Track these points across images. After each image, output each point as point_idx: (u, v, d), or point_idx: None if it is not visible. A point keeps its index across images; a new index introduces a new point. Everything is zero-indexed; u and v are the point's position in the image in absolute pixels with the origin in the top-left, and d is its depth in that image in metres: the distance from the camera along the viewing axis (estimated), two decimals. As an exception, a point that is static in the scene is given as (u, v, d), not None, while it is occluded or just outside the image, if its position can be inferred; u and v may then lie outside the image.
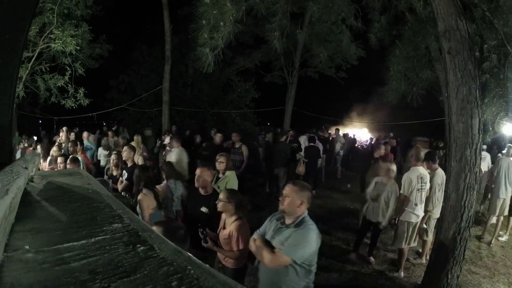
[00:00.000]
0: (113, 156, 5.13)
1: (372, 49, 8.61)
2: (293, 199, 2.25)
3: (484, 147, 9.69)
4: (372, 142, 13.93)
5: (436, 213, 4.57)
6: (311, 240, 2.21)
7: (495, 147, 11.25)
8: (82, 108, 11.28)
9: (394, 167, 4.54)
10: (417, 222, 4.41)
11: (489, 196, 6.57)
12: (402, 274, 4.41)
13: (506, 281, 4.33)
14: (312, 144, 8.18)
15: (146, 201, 3.35)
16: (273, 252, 2.20)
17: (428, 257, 4.82)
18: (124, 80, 14.71)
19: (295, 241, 2.19)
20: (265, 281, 2.33)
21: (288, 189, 2.30)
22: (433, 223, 4.68)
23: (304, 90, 16.54)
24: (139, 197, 3.37)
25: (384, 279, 4.30)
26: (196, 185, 3.32)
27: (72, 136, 8.00)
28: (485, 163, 9.61)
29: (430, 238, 4.74)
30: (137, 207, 3.40)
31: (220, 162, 4.36)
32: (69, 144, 6.00)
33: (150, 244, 0.59)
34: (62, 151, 5.80)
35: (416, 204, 4.28)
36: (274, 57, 13.69)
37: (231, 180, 4.28)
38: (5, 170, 0.77)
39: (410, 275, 4.43)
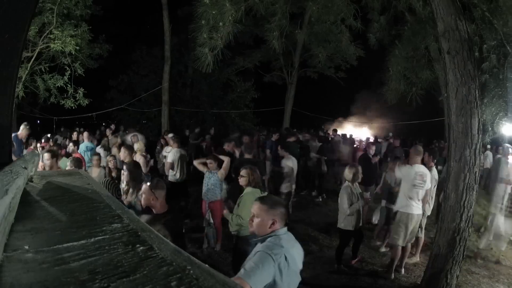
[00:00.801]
0: (109, 158, 5.12)
1: (372, 49, 8.62)
2: (263, 219, 1.95)
3: (488, 146, 9.79)
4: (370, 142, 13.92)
5: (428, 210, 4.75)
6: (267, 265, 1.75)
7: (495, 147, 11.26)
8: (82, 108, 11.28)
9: (359, 171, 4.45)
10: (418, 218, 4.37)
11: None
12: (392, 276, 4.34)
13: (506, 281, 4.33)
14: (322, 143, 8.37)
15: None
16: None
17: (419, 257, 4.86)
18: (124, 80, 14.72)
19: (254, 260, 1.79)
20: None
21: (256, 208, 1.99)
22: (424, 221, 4.81)
23: (304, 90, 16.55)
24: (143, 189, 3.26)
25: (384, 279, 4.30)
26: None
27: (74, 135, 8.01)
28: (487, 161, 9.77)
29: (423, 236, 4.84)
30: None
31: (240, 177, 3.59)
32: (70, 144, 6.03)
33: (149, 244, 0.59)
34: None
35: (411, 198, 4.24)
36: (274, 57, 13.71)
37: (244, 200, 3.41)
38: (4, 170, 0.77)
39: (410, 275, 4.43)
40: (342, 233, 4.43)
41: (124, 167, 4.00)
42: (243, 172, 3.56)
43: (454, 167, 3.55)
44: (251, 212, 2.01)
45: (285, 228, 1.98)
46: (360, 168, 4.46)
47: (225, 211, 3.66)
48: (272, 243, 1.85)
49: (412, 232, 4.36)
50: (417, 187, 4.25)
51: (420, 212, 4.37)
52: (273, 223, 1.93)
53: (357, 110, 21.33)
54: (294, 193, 7.68)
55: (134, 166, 3.93)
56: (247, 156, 5.46)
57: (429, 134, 14.26)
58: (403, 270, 4.48)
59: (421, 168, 4.33)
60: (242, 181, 3.55)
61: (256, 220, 1.96)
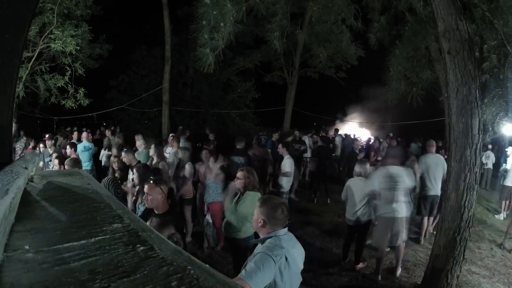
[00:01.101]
0: (113, 159, 5.11)
1: (372, 49, 8.62)
2: (257, 217, 2.02)
3: (489, 146, 9.84)
4: (370, 142, 13.97)
5: None
6: (267, 266, 1.76)
7: (497, 147, 11.28)
8: (82, 108, 11.29)
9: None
10: (396, 221, 4.18)
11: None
12: (379, 277, 4.26)
13: (506, 281, 4.33)
14: (323, 144, 8.39)
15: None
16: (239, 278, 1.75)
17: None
18: (124, 80, 14.73)
19: (255, 261, 1.80)
20: None
21: (256, 208, 2.07)
22: None
23: (304, 90, 16.53)
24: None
25: (384, 280, 4.30)
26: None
27: (74, 136, 8.01)
28: (490, 161, 9.81)
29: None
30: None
31: (237, 179, 3.46)
32: (68, 147, 6.04)
33: (150, 244, 0.59)
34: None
35: (389, 202, 4.13)
36: (274, 57, 13.69)
37: (245, 205, 3.31)
38: (5, 170, 0.77)
39: (410, 275, 4.43)
40: None
41: (134, 170, 4.00)
42: (239, 174, 3.45)
43: (454, 167, 3.55)
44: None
45: (285, 229, 1.98)
46: None
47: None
48: (272, 244, 1.86)
49: (396, 234, 4.20)
50: (393, 189, 4.14)
51: (397, 214, 4.18)
52: (264, 223, 1.97)
53: (358, 110, 21.34)
54: (294, 193, 7.71)
55: (144, 168, 3.92)
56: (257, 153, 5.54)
57: (429, 134, 14.25)
58: (399, 270, 4.41)
59: (391, 169, 4.20)
60: (239, 183, 3.44)
61: (254, 216, 2.04)
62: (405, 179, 4.20)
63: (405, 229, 4.29)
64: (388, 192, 4.14)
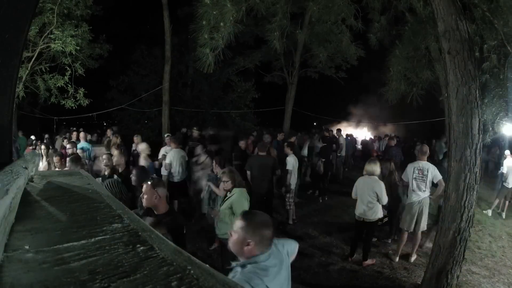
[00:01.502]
0: (104, 156, 5.05)
1: (372, 49, 8.62)
2: (239, 237, 1.71)
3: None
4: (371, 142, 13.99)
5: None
6: None
7: (497, 147, 11.23)
8: (82, 108, 11.30)
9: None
10: (418, 206, 4.71)
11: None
12: (397, 259, 4.78)
13: (506, 281, 4.33)
14: (325, 144, 8.44)
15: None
16: None
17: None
18: (124, 80, 14.73)
19: None
20: None
21: (236, 223, 1.76)
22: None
23: (304, 90, 16.52)
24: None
25: (384, 279, 4.30)
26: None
27: (74, 136, 8.02)
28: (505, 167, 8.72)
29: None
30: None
31: (224, 182, 3.56)
32: (68, 145, 6.04)
33: (150, 244, 0.59)
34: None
35: (413, 190, 4.72)
36: (274, 57, 13.67)
37: (236, 200, 3.43)
38: (5, 170, 0.77)
39: (410, 275, 4.43)
40: None
41: (133, 171, 4.01)
42: (224, 177, 3.54)
43: (454, 167, 3.55)
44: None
45: (268, 253, 1.71)
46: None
47: (214, 211, 3.69)
48: (252, 273, 1.63)
49: (418, 221, 4.71)
50: (417, 180, 4.72)
51: (418, 199, 4.72)
52: (247, 245, 1.68)
53: (358, 110, 21.35)
54: (297, 192, 7.69)
55: (142, 171, 3.93)
56: (260, 153, 5.67)
57: (429, 134, 14.27)
58: (414, 256, 4.82)
59: (420, 163, 4.76)
60: (227, 185, 3.53)
61: (233, 236, 1.73)
62: (431, 172, 4.69)
63: (426, 218, 4.78)
64: (417, 182, 4.70)
